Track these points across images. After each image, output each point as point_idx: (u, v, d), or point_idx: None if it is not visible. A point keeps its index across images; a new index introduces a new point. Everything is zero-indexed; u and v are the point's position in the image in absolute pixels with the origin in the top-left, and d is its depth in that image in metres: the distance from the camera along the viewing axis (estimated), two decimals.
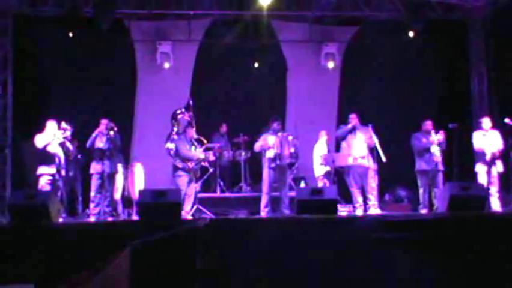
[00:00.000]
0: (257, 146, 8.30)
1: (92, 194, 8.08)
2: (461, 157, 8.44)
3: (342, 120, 9.45)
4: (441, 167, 8.24)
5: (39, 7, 9.64)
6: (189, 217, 7.53)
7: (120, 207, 8.94)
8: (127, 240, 4.66)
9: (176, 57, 10.58)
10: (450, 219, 6.19)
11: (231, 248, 5.31)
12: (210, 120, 9.18)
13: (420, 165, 8.29)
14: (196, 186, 8.20)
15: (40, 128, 7.92)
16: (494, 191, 8.15)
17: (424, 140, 8.27)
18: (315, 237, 5.48)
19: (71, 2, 8.97)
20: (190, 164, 7.91)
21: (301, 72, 11.08)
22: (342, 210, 8.34)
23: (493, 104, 10.13)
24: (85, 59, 10.10)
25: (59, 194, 7.76)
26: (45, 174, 7.74)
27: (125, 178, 9.05)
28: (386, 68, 10.43)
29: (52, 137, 7.83)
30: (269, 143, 8.12)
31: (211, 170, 9.46)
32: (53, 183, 7.74)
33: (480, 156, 8.38)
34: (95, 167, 8.13)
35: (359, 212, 7.98)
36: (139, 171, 9.11)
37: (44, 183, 7.72)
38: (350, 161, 8.11)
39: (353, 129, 8.19)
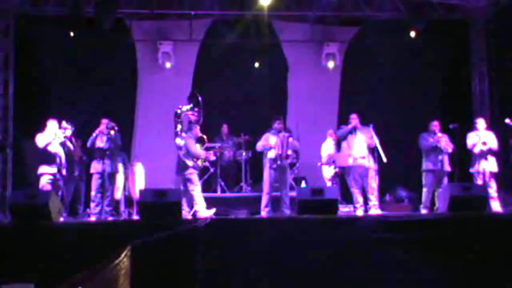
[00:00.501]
0: (259, 146, 8.31)
1: (93, 193, 8.08)
2: (462, 158, 8.45)
3: (342, 120, 9.43)
4: (447, 168, 8.24)
5: (40, 7, 9.63)
6: (189, 217, 7.53)
7: (122, 207, 8.96)
8: (127, 240, 4.67)
9: (177, 57, 10.57)
10: (450, 220, 6.21)
11: (231, 248, 5.32)
12: (210, 119, 9.16)
13: (427, 165, 8.31)
14: None
15: (41, 128, 7.93)
16: (492, 191, 8.09)
17: (431, 139, 8.29)
18: (316, 237, 5.49)
19: (73, 2, 8.96)
20: (200, 162, 7.94)
21: (302, 72, 11.06)
22: (343, 211, 8.33)
23: (494, 104, 10.11)
24: (86, 59, 10.10)
25: (59, 193, 7.77)
26: (46, 173, 7.75)
27: (126, 178, 9.06)
28: (387, 68, 10.41)
29: (53, 136, 7.84)
30: (270, 143, 8.12)
31: (211, 169, 9.49)
32: (53, 182, 7.75)
33: (472, 157, 8.37)
34: (95, 167, 8.14)
35: (360, 212, 7.97)
36: (139, 170, 9.12)
37: (44, 182, 7.72)
38: (350, 161, 8.11)
39: (353, 129, 8.19)
